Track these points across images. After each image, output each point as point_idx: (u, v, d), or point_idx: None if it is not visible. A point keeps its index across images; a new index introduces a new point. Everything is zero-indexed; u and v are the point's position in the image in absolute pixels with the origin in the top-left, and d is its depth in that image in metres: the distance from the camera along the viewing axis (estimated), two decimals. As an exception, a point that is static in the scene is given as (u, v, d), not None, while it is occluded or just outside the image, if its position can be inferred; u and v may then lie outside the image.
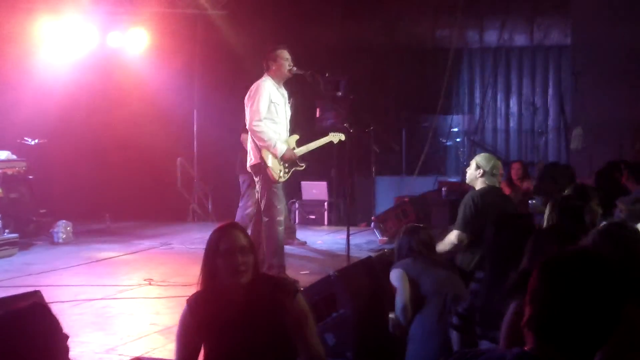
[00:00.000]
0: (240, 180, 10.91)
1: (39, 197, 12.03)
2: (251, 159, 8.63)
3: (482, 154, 7.89)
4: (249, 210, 10.49)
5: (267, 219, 8.42)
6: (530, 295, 2.39)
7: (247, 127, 8.59)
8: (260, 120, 8.36)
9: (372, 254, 8.89)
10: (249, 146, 8.70)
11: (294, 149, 8.65)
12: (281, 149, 8.45)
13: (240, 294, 4.02)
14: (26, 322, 2.83)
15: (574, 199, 6.17)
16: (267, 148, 8.39)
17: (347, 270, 6.18)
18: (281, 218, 8.45)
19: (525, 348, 2.36)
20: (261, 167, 8.45)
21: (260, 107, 8.36)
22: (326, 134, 9.72)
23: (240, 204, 10.99)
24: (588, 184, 8.04)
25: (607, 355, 2.96)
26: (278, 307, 3.99)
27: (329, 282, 5.85)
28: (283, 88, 8.75)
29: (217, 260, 4.01)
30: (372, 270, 6.07)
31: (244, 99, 8.73)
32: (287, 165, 8.53)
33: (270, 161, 8.38)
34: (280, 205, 8.49)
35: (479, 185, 7.18)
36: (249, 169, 8.80)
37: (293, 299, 4.03)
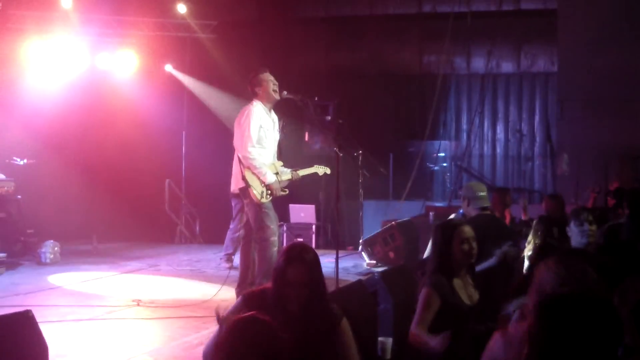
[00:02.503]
0: (233, 203, 10.89)
1: (26, 217, 12.00)
2: (237, 182, 8.63)
3: (464, 185, 8.00)
4: (238, 233, 10.47)
5: (260, 240, 8.40)
6: (528, 336, 2.40)
7: (236, 151, 8.59)
8: (253, 146, 8.38)
9: (361, 277, 8.93)
10: (234, 169, 8.70)
11: (277, 173, 8.65)
12: (270, 178, 8.46)
13: (290, 318, 4.04)
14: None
15: None
16: (257, 175, 8.40)
17: (339, 293, 6.21)
18: (275, 238, 8.42)
19: None
20: (247, 189, 8.46)
21: (252, 133, 8.38)
22: (314, 158, 9.73)
23: (230, 226, 10.99)
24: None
25: None
26: (324, 338, 4.06)
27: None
28: (273, 112, 8.77)
29: (285, 288, 4.07)
30: (363, 293, 6.09)
31: (232, 121, 8.76)
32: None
33: (253, 182, 8.39)
34: (273, 225, 8.45)
35: (472, 213, 7.25)
36: (236, 192, 8.79)
37: (338, 328, 4.12)
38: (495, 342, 3.69)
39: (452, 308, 5.21)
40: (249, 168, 8.41)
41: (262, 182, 8.40)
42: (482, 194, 7.31)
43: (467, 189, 7.51)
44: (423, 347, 5.06)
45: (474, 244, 5.43)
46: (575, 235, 6.80)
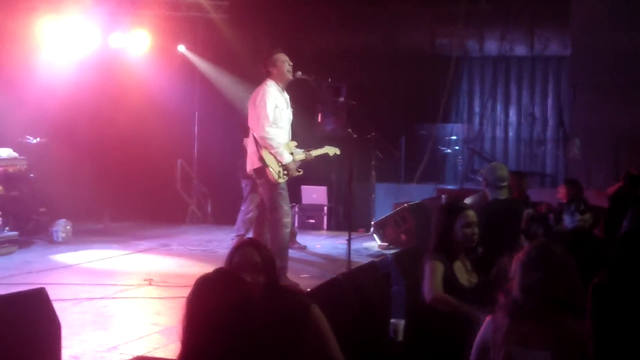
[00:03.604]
0: (243, 184, 10.92)
1: (39, 196, 12.02)
2: (253, 163, 8.63)
3: (491, 163, 7.87)
4: (250, 214, 10.48)
5: (273, 220, 8.43)
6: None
7: (252, 131, 8.59)
8: (270, 126, 8.39)
9: (374, 259, 8.95)
10: (249, 150, 8.70)
11: (291, 153, 8.65)
12: (287, 158, 8.48)
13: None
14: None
15: None
16: (275, 155, 8.41)
17: (352, 274, 6.21)
18: (288, 220, 8.44)
19: None
20: (263, 170, 8.46)
21: (269, 113, 8.38)
22: (327, 139, 9.71)
23: (241, 208, 10.98)
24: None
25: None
26: (294, 327, 3.81)
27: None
28: (285, 93, 8.77)
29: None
30: (376, 275, 6.10)
31: (244, 102, 8.76)
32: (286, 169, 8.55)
33: (270, 162, 8.40)
34: (287, 206, 8.48)
35: (489, 197, 7.22)
36: (251, 172, 8.80)
37: (309, 314, 3.89)
38: (487, 326, 3.83)
39: (452, 287, 5.29)
40: (266, 148, 8.42)
41: (279, 162, 8.42)
42: (502, 184, 7.16)
43: (489, 171, 7.33)
44: (452, 308, 5.12)
45: (476, 229, 5.55)
46: (568, 224, 6.80)
